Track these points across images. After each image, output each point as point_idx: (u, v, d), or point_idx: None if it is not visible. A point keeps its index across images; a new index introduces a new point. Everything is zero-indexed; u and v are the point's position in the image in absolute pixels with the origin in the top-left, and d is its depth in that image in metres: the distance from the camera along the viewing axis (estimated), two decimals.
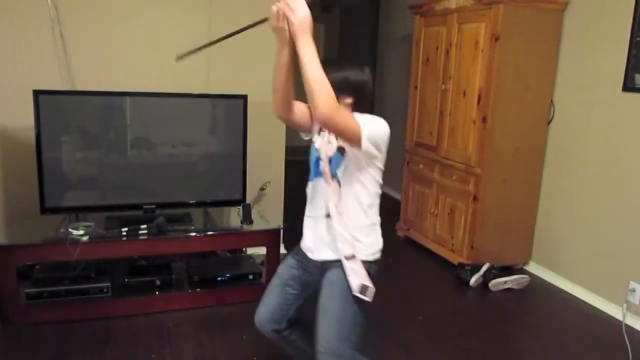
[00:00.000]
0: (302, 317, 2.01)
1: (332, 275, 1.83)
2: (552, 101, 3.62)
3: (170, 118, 3.11)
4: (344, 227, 1.79)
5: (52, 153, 2.85)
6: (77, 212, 3.03)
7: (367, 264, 1.82)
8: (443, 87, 3.90)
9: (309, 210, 1.93)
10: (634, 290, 3.06)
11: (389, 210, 5.07)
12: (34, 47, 3.10)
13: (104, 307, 2.84)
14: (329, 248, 1.84)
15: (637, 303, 3.05)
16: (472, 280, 3.49)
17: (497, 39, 3.37)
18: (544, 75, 3.56)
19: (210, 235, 3.09)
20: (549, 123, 3.66)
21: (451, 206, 3.86)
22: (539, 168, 3.72)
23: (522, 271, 3.77)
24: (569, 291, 3.51)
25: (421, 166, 4.21)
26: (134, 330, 2.74)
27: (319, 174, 1.85)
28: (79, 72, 3.20)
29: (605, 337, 2.94)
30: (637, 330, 3.01)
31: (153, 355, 2.51)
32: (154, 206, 3.07)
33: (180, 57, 1.92)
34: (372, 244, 1.87)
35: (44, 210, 2.89)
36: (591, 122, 3.35)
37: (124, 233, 2.88)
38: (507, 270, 3.67)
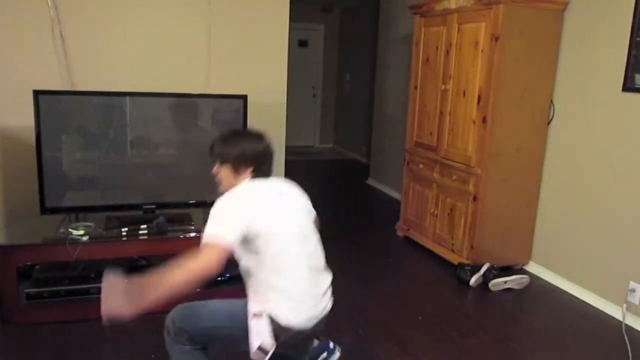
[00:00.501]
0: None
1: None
2: (552, 101, 3.63)
3: (170, 118, 3.11)
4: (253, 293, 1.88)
5: (52, 153, 2.85)
6: (77, 212, 3.03)
7: (276, 324, 1.80)
8: (443, 87, 3.90)
9: None
10: (634, 290, 3.06)
11: (389, 210, 5.07)
12: (34, 47, 3.10)
13: None
14: None
15: (637, 303, 3.05)
16: (472, 280, 3.49)
17: (497, 39, 3.37)
18: (544, 75, 3.56)
19: None
20: (549, 123, 3.66)
21: (451, 206, 3.86)
22: (539, 168, 3.72)
23: (522, 271, 3.77)
24: (569, 291, 3.51)
25: (421, 166, 4.21)
26: (134, 330, 2.74)
27: None
28: (79, 72, 3.21)
29: (605, 337, 2.94)
30: (637, 330, 3.01)
31: (153, 355, 2.51)
32: (154, 206, 3.07)
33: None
34: (282, 309, 1.82)
35: (44, 210, 2.88)
36: (591, 122, 3.35)
37: (124, 233, 2.88)
38: (507, 270, 3.67)
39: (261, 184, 1.93)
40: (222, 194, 1.90)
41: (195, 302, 1.93)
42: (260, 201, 1.85)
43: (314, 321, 1.88)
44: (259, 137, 1.99)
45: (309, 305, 1.86)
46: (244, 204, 1.82)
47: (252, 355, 1.79)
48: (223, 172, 1.97)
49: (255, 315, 1.82)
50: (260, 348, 1.78)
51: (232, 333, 1.86)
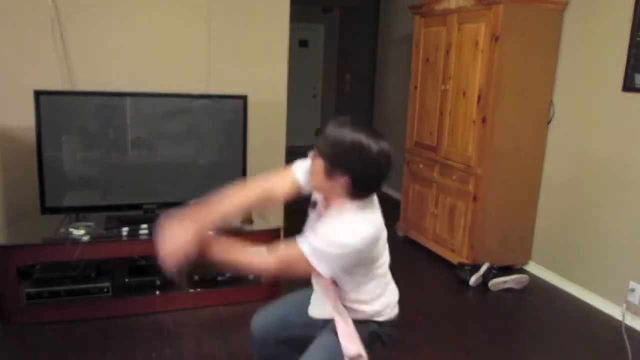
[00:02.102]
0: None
1: (327, 335, 1.67)
2: (552, 101, 3.63)
3: (170, 118, 3.11)
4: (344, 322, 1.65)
5: (52, 153, 2.85)
6: (78, 212, 3.03)
7: (368, 324, 1.69)
8: (443, 87, 3.90)
9: None
10: (633, 290, 3.06)
11: (389, 210, 5.07)
12: (34, 48, 3.10)
13: (104, 307, 2.84)
14: (325, 311, 1.70)
15: (636, 303, 3.05)
16: (472, 280, 3.49)
17: (497, 39, 3.37)
18: (544, 75, 3.56)
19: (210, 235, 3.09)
20: (549, 123, 3.66)
21: (451, 206, 3.86)
22: (539, 168, 3.72)
23: (522, 271, 3.77)
24: (569, 291, 3.51)
25: (421, 166, 4.21)
26: (134, 330, 2.75)
27: None
28: (80, 73, 3.21)
29: (605, 337, 2.94)
30: (637, 330, 3.01)
31: (153, 355, 2.51)
32: (154, 206, 3.08)
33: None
34: (379, 310, 1.72)
35: (45, 210, 2.88)
36: (591, 122, 3.35)
37: (124, 233, 2.88)
38: (507, 270, 3.67)
39: (376, 222, 1.55)
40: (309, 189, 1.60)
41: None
42: (372, 250, 1.57)
43: None
44: (379, 136, 1.47)
45: None
46: (356, 255, 1.51)
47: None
48: (316, 166, 1.51)
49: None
50: (356, 355, 1.64)
51: None
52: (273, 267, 1.52)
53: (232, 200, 1.59)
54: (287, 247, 1.51)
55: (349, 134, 1.44)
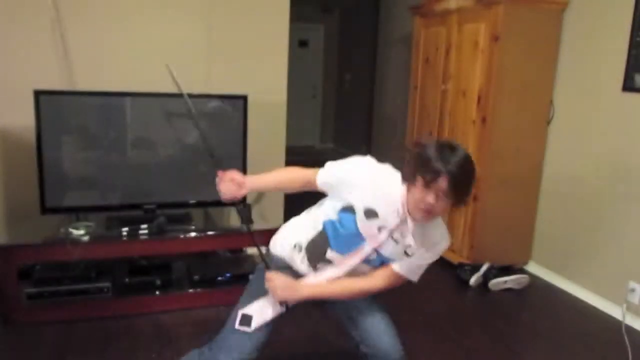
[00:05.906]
0: None
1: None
2: (552, 101, 3.63)
3: (170, 118, 3.11)
4: None
5: (52, 153, 2.86)
6: (78, 212, 3.04)
7: None
8: (443, 87, 3.90)
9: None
10: (633, 290, 3.06)
11: None
12: (35, 48, 3.10)
13: (104, 307, 2.85)
14: None
15: (636, 303, 3.05)
16: (472, 280, 3.49)
17: (496, 39, 3.37)
18: (544, 75, 3.56)
19: (210, 235, 3.09)
20: (549, 123, 3.66)
21: None
22: (539, 168, 3.72)
23: (522, 271, 3.77)
24: (569, 291, 3.51)
25: None
26: (134, 330, 2.75)
27: (349, 250, 1.77)
28: (80, 73, 3.21)
29: (605, 337, 2.94)
30: (637, 330, 3.01)
31: (153, 355, 2.51)
32: (154, 206, 3.07)
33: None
34: None
35: (45, 210, 2.89)
36: (591, 122, 3.35)
37: (124, 233, 2.88)
38: (507, 270, 3.66)
39: None
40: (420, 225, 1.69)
41: (390, 324, 2.03)
42: None
43: None
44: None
45: None
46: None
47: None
48: (442, 207, 1.64)
49: None
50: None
51: None
52: (381, 289, 1.81)
53: (287, 173, 1.89)
54: (385, 272, 1.78)
55: (473, 174, 1.72)
